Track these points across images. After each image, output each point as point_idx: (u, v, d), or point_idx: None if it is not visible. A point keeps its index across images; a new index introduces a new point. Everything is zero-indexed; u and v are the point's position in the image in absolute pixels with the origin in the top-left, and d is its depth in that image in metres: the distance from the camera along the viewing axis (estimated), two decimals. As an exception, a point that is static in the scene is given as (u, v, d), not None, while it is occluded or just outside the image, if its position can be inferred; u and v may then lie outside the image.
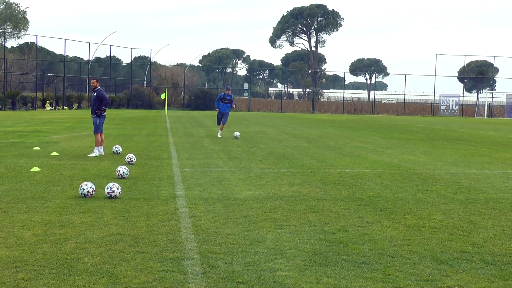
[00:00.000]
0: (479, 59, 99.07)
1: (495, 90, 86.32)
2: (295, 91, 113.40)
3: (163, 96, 47.98)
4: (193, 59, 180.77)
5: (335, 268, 5.98)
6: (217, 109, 23.90)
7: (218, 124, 24.15)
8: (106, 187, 9.70)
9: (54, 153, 15.92)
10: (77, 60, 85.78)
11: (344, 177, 12.73)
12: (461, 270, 6.02)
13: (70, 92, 64.72)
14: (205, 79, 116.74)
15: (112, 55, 71.48)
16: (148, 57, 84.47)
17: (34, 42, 65.00)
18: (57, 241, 6.80)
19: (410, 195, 10.58)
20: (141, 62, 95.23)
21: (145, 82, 74.93)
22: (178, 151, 17.51)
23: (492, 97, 78.26)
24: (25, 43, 74.81)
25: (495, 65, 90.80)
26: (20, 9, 65.74)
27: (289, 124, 35.96)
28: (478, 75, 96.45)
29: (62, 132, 24.73)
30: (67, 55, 63.24)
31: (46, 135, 22.72)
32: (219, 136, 23.36)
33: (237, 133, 23.48)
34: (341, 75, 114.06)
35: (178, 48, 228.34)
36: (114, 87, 68.94)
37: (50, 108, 53.64)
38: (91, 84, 16.67)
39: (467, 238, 7.38)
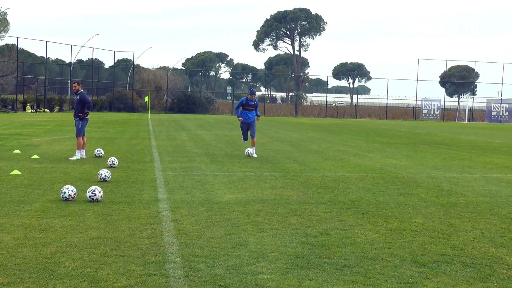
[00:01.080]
0: (460, 64, 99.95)
1: (476, 94, 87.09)
2: (278, 94, 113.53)
3: (146, 99, 47.88)
4: (176, 62, 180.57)
5: (317, 271, 6.01)
6: (240, 119, 17.93)
7: (245, 139, 17.95)
8: (87, 191, 9.66)
9: (35, 156, 15.81)
10: (58, 62, 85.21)
11: (326, 180, 12.79)
12: (441, 272, 6.08)
13: (51, 94, 64.26)
14: (188, 82, 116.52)
15: (94, 57, 71.16)
16: (131, 60, 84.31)
17: (14, 44, 64.56)
18: (37, 245, 6.76)
19: (391, 198, 10.66)
20: (124, 65, 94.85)
21: (127, 85, 74.63)
22: (161, 155, 17.47)
23: (473, 102, 79.02)
24: (6, 44, 74.15)
25: (476, 70, 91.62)
26: (0, 10, 65.16)
27: (271, 128, 36.02)
28: (459, 79, 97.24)
29: (43, 135, 24.56)
30: (48, 57, 62.62)
31: (27, 138, 22.56)
32: (253, 155, 17.27)
33: (250, 150, 17.48)
34: (324, 79, 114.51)
35: (161, 51, 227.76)
36: (96, 90, 68.57)
37: (31, 110, 53.25)
38: (73, 87, 16.60)
39: (447, 241, 7.45)
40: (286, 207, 9.50)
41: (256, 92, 19.47)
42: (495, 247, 7.23)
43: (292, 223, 8.32)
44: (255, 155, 17.15)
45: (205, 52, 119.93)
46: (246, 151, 17.45)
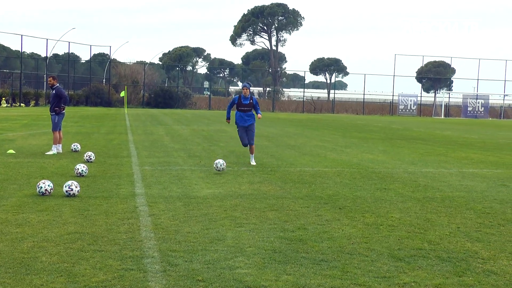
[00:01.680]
0: (436, 60, 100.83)
1: (452, 90, 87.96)
2: (256, 89, 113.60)
3: (122, 94, 47.59)
4: (153, 57, 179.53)
5: (294, 265, 6.04)
6: (228, 121, 15.56)
7: (245, 144, 14.77)
8: (64, 185, 9.58)
9: (11, 151, 15.64)
10: (34, 56, 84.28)
11: (304, 175, 12.83)
12: (418, 267, 6.14)
13: (27, 89, 63.56)
14: (165, 77, 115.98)
15: (70, 52, 70.52)
16: (107, 54, 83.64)
17: (-11, 38, 63.66)
18: (13, 240, 6.70)
19: (368, 193, 10.73)
20: (100, 59, 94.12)
21: (104, 80, 74.08)
22: (138, 149, 17.39)
23: (449, 97, 79.81)
24: (-20, 38, 73.13)
25: (452, 66, 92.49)
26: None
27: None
28: (435, 75, 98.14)
29: (19, 130, 24.30)
30: (24, 51, 62.00)
31: (2, 133, 22.30)
32: (252, 162, 14.61)
33: (219, 162, 13.06)
34: (301, 74, 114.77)
35: (138, 45, 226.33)
36: (72, 84, 67.98)
37: (6, 105, 52.63)
38: (48, 82, 16.45)
39: (424, 236, 7.52)
40: (263, 202, 9.52)
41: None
42: (470, 241, 7.32)
43: (269, 218, 8.34)
44: (253, 163, 14.48)
45: (182, 46, 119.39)
46: (216, 164, 12.99)
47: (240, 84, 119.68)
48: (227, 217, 8.28)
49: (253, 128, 14.66)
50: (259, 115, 14.77)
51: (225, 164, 12.96)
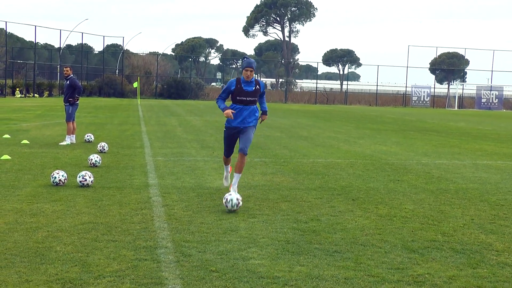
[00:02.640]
0: (450, 51, 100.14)
1: (465, 81, 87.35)
2: (268, 80, 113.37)
3: (135, 84, 47.67)
4: (166, 48, 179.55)
5: (307, 256, 6.03)
6: (228, 113, 8.92)
7: (227, 155, 9.60)
8: (78, 176, 9.63)
9: (25, 141, 15.73)
10: (48, 47, 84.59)
11: (316, 167, 12.81)
12: (431, 258, 6.12)
13: (40, 79, 63.86)
14: (178, 68, 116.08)
15: (83, 42, 70.73)
16: (120, 45, 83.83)
17: (3, 28, 63.91)
18: (28, 229, 6.74)
19: (381, 185, 10.70)
20: (113, 50, 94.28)
21: (117, 71, 74.24)
22: (151, 140, 17.43)
23: (463, 89, 79.30)
24: (-5, 29, 73.53)
25: (466, 57, 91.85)
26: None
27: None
28: (449, 66, 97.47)
29: (33, 120, 24.43)
30: (37, 42, 62.38)
31: (16, 123, 22.43)
32: (232, 188, 8.89)
33: (233, 197, 8.04)
34: (314, 65, 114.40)
35: (151, 36, 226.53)
36: (85, 75, 68.20)
37: (20, 95, 52.92)
38: (64, 72, 16.50)
39: (437, 227, 7.49)
40: (276, 193, 9.52)
41: (250, 67, 8.29)
42: (484, 233, 7.28)
43: (282, 209, 8.34)
44: (234, 189, 8.82)
45: (195, 37, 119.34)
46: (226, 200, 8.06)
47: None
48: (240, 208, 8.28)
49: (251, 130, 9.07)
50: (264, 116, 9.45)
51: (240, 200, 7.97)
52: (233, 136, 9.23)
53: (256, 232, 6.98)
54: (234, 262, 5.78)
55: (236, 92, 8.94)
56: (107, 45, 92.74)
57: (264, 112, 9.49)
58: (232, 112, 8.88)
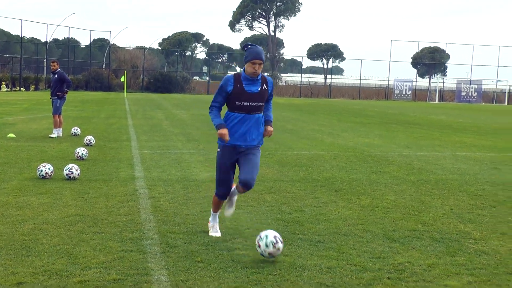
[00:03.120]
0: (431, 46, 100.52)
1: (446, 75, 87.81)
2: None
3: (122, 78, 47.46)
4: (153, 42, 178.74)
5: (291, 247, 6.05)
6: (222, 134, 6.14)
7: (221, 194, 6.40)
8: (64, 169, 9.57)
9: (11, 135, 15.61)
10: (34, 41, 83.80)
11: (301, 159, 12.83)
12: (411, 247, 6.16)
13: (27, 73, 63.29)
14: (164, 62, 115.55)
15: (70, 36, 70.20)
16: (107, 39, 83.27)
17: (-10, 23, 63.32)
18: (14, 222, 6.70)
19: (364, 176, 10.74)
20: (100, 45, 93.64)
21: (104, 65, 73.80)
22: (137, 133, 17.37)
23: (443, 82, 79.74)
24: (-19, 23, 72.75)
25: (446, 52, 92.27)
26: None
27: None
28: (430, 61, 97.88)
29: (19, 114, 24.23)
30: (24, 36, 61.73)
31: (2, 117, 22.24)
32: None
33: (268, 233, 5.65)
34: (299, 59, 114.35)
35: (138, 31, 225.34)
36: (72, 69, 67.73)
37: (6, 89, 52.47)
38: (51, 67, 16.39)
39: (418, 217, 7.54)
40: (261, 184, 9.53)
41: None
42: (463, 222, 7.34)
43: (267, 200, 8.35)
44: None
45: (181, 32, 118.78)
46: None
47: (238, 69, 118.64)
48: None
49: (258, 155, 6.35)
50: (269, 128, 6.43)
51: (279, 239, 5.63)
52: (231, 159, 6.25)
53: (241, 223, 6.99)
54: (219, 252, 5.78)
55: (234, 94, 6.14)
56: (94, 39, 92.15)
57: (267, 122, 6.42)
58: (223, 134, 6.14)
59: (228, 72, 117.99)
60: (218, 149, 6.36)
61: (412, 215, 7.66)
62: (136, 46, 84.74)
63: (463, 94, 72.75)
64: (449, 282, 5.13)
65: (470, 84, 73.51)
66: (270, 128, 6.41)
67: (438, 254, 5.96)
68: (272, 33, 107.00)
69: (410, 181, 10.38)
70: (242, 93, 6.13)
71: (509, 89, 75.60)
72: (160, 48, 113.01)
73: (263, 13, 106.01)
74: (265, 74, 79.87)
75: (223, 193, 6.40)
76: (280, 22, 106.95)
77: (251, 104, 6.16)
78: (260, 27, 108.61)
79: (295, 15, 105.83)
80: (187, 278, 5.03)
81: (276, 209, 7.77)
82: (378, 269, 5.42)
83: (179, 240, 6.15)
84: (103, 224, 6.73)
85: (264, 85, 6.26)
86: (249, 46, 6.12)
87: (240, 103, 6.14)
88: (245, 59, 6.13)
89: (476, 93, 72.68)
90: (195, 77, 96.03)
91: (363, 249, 6.06)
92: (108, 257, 5.50)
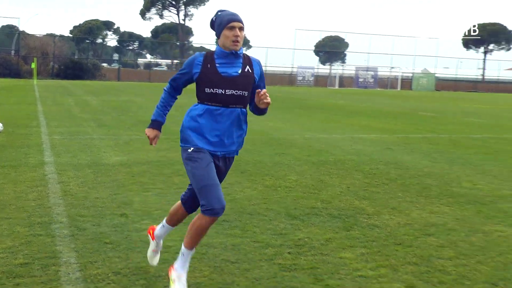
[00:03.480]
0: (332, 35, 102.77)
1: (345, 63, 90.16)
2: (164, 62, 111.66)
3: (32, 65, 45.61)
4: (64, 30, 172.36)
5: (198, 226, 6.04)
6: (150, 140, 5.01)
7: (216, 213, 4.33)
8: (-29, 155, 9.11)
9: None
10: None
11: (208, 142, 12.80)
12: (311, 224, 6.32)
13: None
14: (75, 49, 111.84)
15: (-23, 23, 66.48)
16: (16, 26, 79.51)
17: None
18: None
19: (268, 158, 10.88)
20: (9, 31, 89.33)
21: (13, 51, 70.54)
22: (47, 119, 16.76)
23: (343, 69, 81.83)
24: None
25: (346, 41, 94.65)
26: None
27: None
28: (331, 49, 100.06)
29: None
30: None
31: None
32: (152, 261, 4.82)
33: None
34: (207, 47, 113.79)
35: (48, 18, 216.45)
36: (-20, 56, 64.27)
37: None
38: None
39: (317, 196, 7.73)
40: (170, 167, 9.45)
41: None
42: (358, 199, 7.59)
43: (175, 182, 8.30)
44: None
45: (92, 20, 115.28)
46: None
47: (149, 56, 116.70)
48: (135, 182, 8.17)
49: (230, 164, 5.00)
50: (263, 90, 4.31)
51: None
52: (209, 170, 4.52)
53: (150, 205, 6.92)
54: (127, 234, 5.70)
55: (203, 78, 4.36)
56: (3, 26, 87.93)
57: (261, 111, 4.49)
58: (156, 138, 4.98)
59: (139, 59, 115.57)
60: (187, 154, 4.58)
61: (312, 194, 7.84)
62: (47, 33, 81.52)
63: (360, 80, 74.92)
64: (344, 254, 5.31)
65: (367, 71, 75.81)
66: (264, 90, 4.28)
67: (335, 229, 6.14)
68: (181, 22, 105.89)
69: (311, 161, 10.61)
70: (214, 76, 4.25)
71: (402, 76, 78.65)
72: (71, 35, 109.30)
73: (173, 2, 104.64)
74: (175, 61, 78.38)
75: (219, 207, 4.32)
76: (190, 11, 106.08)
77: (228, 92, 4.24)
78: (170, 16, 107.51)
79: (204, 5, 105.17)
80: (96, 259, 4.94)
81: (184, 191, 7.72)
82: (280, 244, 5.52)
83: (88, 223, 6.01)
84: (11, 209, 6.47)
85: (248, 67, 4.33)
86: (220, 12, 4.33)
87: (211, 90, 4.26)
88: (217, 28, 4.26)
89: (372, 79, 75.04)
90: (104, 64, 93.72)
91: (266, 226, 6.15)
92: (15, 242, 5.30)
